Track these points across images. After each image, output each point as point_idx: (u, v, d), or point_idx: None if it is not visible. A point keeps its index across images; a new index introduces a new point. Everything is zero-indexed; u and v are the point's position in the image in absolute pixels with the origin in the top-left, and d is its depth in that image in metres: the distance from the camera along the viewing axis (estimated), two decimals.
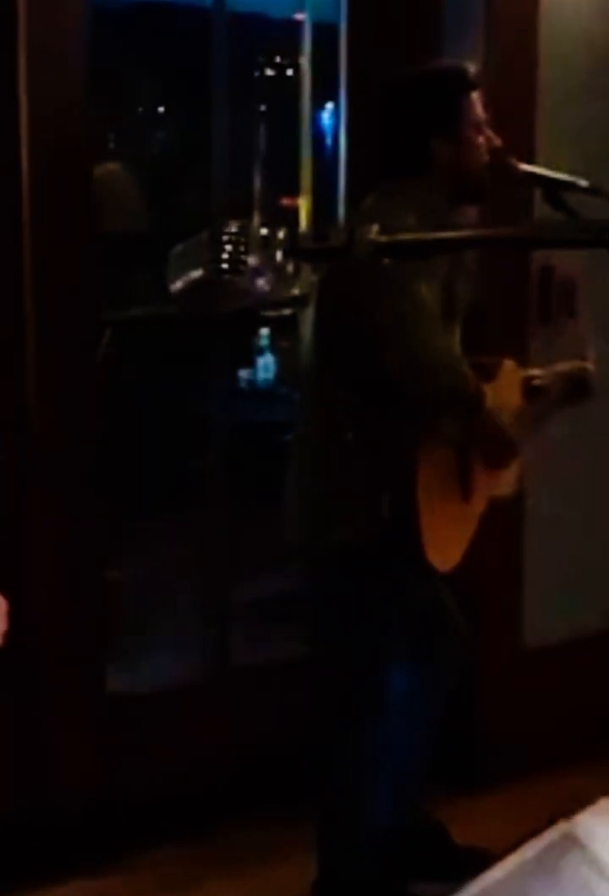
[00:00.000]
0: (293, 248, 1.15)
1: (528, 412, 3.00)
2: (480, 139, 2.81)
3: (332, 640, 2.95)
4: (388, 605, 2.83)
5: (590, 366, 3.06)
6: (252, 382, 5.93)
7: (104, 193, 4.37)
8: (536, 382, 3.05)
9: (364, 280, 2.62)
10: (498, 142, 2.84)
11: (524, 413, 2.98)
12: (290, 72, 6.51)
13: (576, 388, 3.05)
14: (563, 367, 3.07)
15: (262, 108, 6.89)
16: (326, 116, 5.77)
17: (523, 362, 3.14)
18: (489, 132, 2.84)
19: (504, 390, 2.92)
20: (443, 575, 2.90)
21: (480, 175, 2.83)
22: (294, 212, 5.44)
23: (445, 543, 2.80)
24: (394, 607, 2.84)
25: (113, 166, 5.11)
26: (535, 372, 3.08)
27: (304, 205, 5.26)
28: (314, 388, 2.87)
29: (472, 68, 2.89)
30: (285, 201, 5.96)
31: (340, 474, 2.78)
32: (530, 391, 3.04)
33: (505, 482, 3.02)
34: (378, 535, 2.72)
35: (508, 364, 2.99)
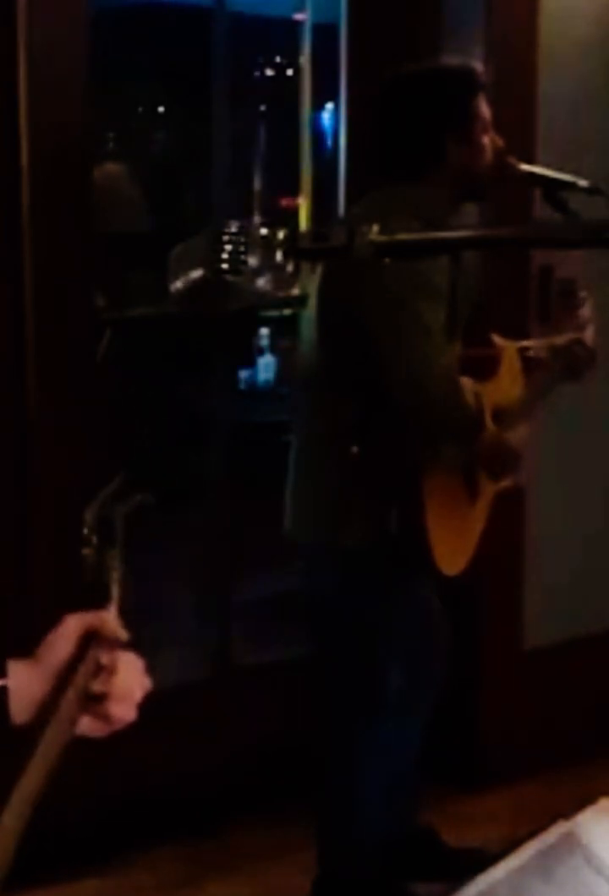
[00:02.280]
0: (293, 248, 1.15)
1: (529, 387, 2.98)
2: (486, 139, 2.81)
3: (331, 642, 2.95)
4: (389, 609, 2.83)
5: (587, 337, 3.02)
6: (252, 382, 5.93)
7: (105, 194, 4.37)
8: (530, 353, 3.03)
9: (366, 295, 2.62)
10: (500, 143, 2.84)
11: (525, 389, 2.97)
12: (290, 72, 6.50)
13: (574, 360, 3.02)
14: (560, 339, 3.04)
15: (262, 108, 6.89)
16: (326, 116, 5.77)
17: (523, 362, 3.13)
18: (493, 133, 2.84)
19: (507, 380, 2.92)
20: (437, 579, 2.91)
21: (485, 175, 2.83)
22: (294, 212, 5.45)
23: (454, 549, 2.80)
24: (394, 610, 2.85)
25: (113, 166, 5.11)
26: (528, 343, 3.06)
27: (304, 205, 5.27)
28: (315, 394, 2.86)
29: (479, 68, 2.88)
30: (285, 201, 5.97)
31: (344, 485, 2.77)
32: (526, 363, 3.02)
33: None
34: (383, 545, 2.72)
35: (509, 352, 2.98)
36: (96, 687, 1.30)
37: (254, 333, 5.87)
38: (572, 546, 3.85)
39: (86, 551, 1.35)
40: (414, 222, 2.60)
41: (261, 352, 5.95)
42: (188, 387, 5.04)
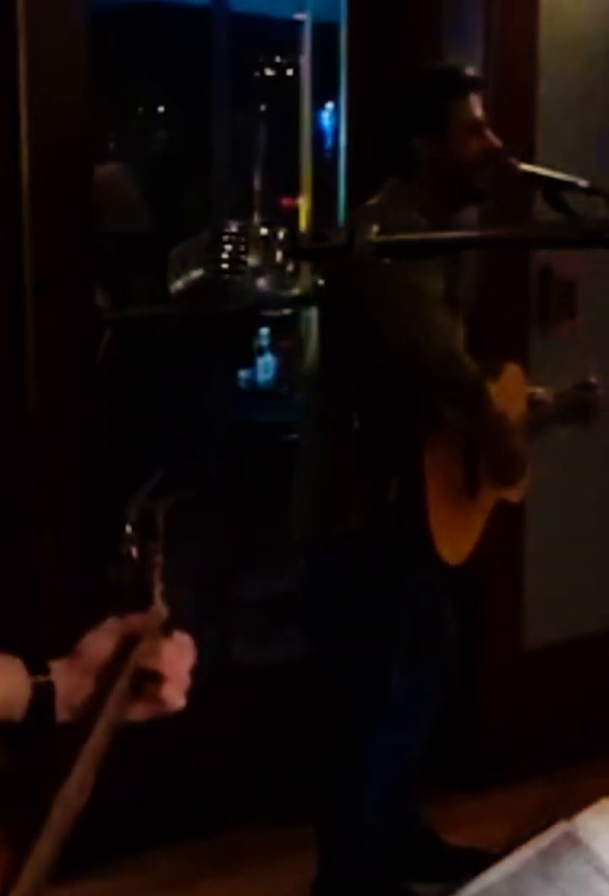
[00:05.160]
0: (293, 248, 1.15)
1: (529, 420, 3.00)
2: (474, 141, 2.81)
3: (332, 640, 2.95)
4: (391, 601, 2.84)
5: (597, 392, 3.05)
6: (252, 382, 5.92)
7: (105, 193, 4.36)
8: (537, 397, 3.07)
9: (365, 274, 2.63)
10: (497, 144, 2.84)
11: (526, 415, 2.98)
12: (290, 72, 6.49)
13: (579, 409, 3.06)
14: (566, 386, 3.07)
15: (262, 108, 6.88)
16: (326, 116, 5.77)
17: (523, 361, 3.14)
18: (488, 134, 2.84)
19: (506, 392, 2.92)
20: (442, 576, 2.90)
21: (471, 176, 2.83)
22: (294, 212, 5.44)
23: (453, 535, 2.80)
24: (397, 603, 2.85)
25: (114, 166, 5.09)
26: (538, 390, 3.09)
27: (304, 205, 5.26)
28: (318, 383, 2.89)
29: (469, 70, 2.89)
30: (285, 201, 5.96)
31: (346, 463, 2.79)
32: (531, 405, 3.05)
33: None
34: (384, 522, 2.73)
35: (511, 368, 2.99)
36: (149, 669, 1.31)
37: (254, 333, 5.86)
38: (572, 546, 3.85)
39: (130, 549, 1.34)
40: (413, 212, 2.64)
41: (261, 352, 5.94)
42: (188, 387, 5.04)
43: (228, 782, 3.49)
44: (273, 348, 5.92)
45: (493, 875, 1.07)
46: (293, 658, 3.59)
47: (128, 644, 1.33)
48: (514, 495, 3.00)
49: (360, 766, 2.92)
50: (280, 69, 6.78)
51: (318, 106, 5.53)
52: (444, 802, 3.40)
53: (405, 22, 3.55)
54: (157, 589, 1.36)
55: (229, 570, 3.87)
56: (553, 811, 1.13)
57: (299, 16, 5.26)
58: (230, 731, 3.53)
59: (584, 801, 1.12)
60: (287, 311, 4.54)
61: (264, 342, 5.92)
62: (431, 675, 3.02)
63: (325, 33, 4.45)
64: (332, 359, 2.83)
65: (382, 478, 2.71)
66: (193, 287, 1.32)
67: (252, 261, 1.27)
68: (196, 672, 1.37)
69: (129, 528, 1.34)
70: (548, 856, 1.06)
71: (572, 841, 1.07)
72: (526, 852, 1.07)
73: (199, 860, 3.32)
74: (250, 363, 5.93)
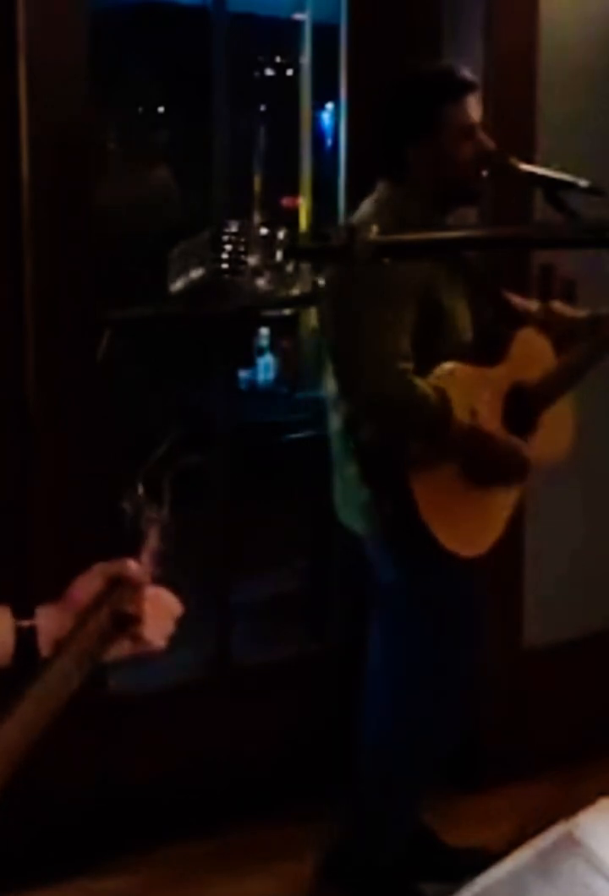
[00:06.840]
0: (293, 248, 1.15)
1: (560, 362, 2.98)
2: (467, 145, 2.81)
3: (379, 623, 3.00)
4: (413, 595, 2.87)
5: None
6: (252, 382, 5.92)
7: (160, 198, 4.40)
8: (572, 324, 3.02)
9: (331, 301, 2.70)
10: (491, 145, 2.83)
11: (561, 365, 2.97)
12: (290, 72, 6.49)
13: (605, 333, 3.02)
14: (582, 313, 3.04)
15: (262, 108, 6.88)
16: (326, 116, 5.77)
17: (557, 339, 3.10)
18: (481, 136, 2.82)
19: (528, 357, 2.91)
20: (470, 570, 2.91)
21: (463, 179, 2.83)
22: (294, 212, 5.44)
23: (465, 530, 2.81)
24: (418, 598, 2.88)
25: (165, 171, 5.09)
26: (576, 314, 3.05)
27: (304, 205, 5.26)
28: (329, 388, 2.92)
29: (464, 72, 2.87)
30: (285, 201, 5.96)
31: (350, 470, 2.85)
32: (561, 341, 3.00)
33: (552, 447, 3.00)
34: (387, 533, 2.77)
35: (522, 335, 2.96)
36: (127, 612, 1.36)
37: (254, 333, 5.86)
38: (572, 545, 3.85)
39: (124, 504, 1.39)
40: (398, 225, 2.64)
41: (261, 352, 5.94)
42: (188, 387, 5.04)
43: (228, 782, 3.49)
44: (273, 348, 5.92)
45: (494, 875, 1.07)
46: (293, 658, 3.59)
47: (111, 586, 1.38)
48: (553, 457, 3.00)
49: (392, 755, 2.94)
50: (280, 69, 6.78)
51: (318, 106, 5.54)
52: (444, 802, 3.40)
53: (405, 22, 3.55)
54: (149, 545, 1.40)
55: (229, 570, 3.87)
56: (553, 811, 1.13)
57: (299, 16, 5.27)
58: (229, 731, 3.53)
59: (585, 801, 1.12)
60: (287, 311, 4.53)
61: (264, 342, 5.92)
62: (459, 667, 3.03)
63: (325, 33, 4.45)
64: (334, 376, 2.87)
65: (377, 493, 2.75)
66: (193, 287, 1.32)
67: (252, 261, 1.27)
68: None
69: (139, 488, 1.38)
70: (548, 856, 1.06)
71: (572, 841, 1.07)
72: (526, 852, 1.07)
73: (198, 860, 3.32)
74: (250, 363, 5.92)
